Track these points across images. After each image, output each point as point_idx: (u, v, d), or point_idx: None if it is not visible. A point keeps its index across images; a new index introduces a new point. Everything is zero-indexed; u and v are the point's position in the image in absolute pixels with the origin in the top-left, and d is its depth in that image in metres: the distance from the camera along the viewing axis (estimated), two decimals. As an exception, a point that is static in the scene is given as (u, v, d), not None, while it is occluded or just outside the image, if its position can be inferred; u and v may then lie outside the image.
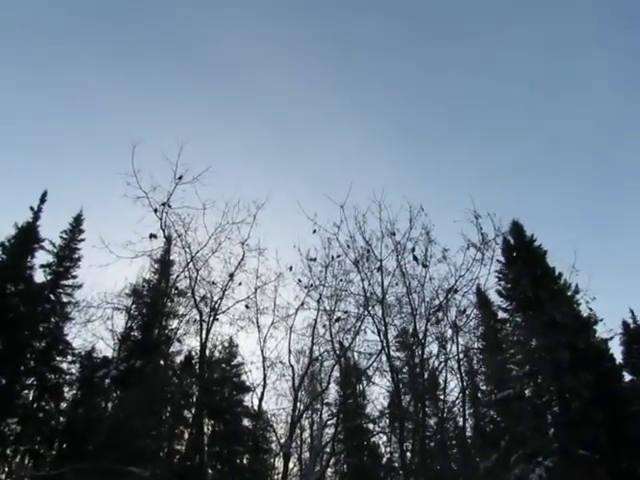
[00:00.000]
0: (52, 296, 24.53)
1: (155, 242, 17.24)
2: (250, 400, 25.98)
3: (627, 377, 22.78)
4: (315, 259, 18.12)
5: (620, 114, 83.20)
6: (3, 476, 21.39)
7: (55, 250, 25.09)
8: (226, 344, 25.99)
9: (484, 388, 25.15)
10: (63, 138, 72.96)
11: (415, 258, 16.89)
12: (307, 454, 24.40)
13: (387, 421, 23.27)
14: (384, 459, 28.54)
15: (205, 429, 26.61)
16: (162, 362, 23.31)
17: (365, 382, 20.83)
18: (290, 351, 18.38)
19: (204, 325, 17.82)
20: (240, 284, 18.74)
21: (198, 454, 19.14)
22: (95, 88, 75.76)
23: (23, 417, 21.92)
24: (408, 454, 17.85)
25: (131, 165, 16.22)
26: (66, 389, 23.80)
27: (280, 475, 18.81)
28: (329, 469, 28.63)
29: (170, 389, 23.26)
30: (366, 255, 17.47)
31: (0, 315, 21.82)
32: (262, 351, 18.19)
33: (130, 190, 16.38)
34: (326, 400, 25.17)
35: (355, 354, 19.34)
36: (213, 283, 18.39)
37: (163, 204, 16.96)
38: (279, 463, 23.64)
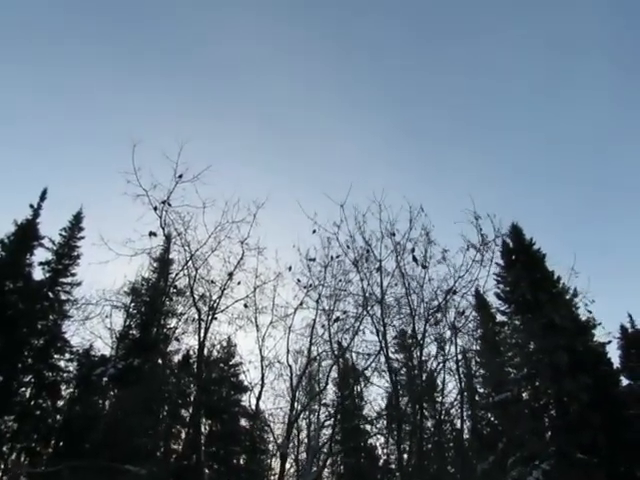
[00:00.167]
0: (51, 294, 24.50)
1: (154, 240, 17.23)
2: (248, 400, 25.93)
3: (624, 381, 22.79)
4: (314, 259, 18.13)
5: (620, 115, 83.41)
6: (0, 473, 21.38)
7: (54, 248, 25.08)
8: (224, 343, 25.97)
9: (482, 391, 25.14)
10: (63, 136, 72.88)
11: (415, 259, 16.89)
12: (304, 455, 24.39)
13: (385, 422, 23.23)
14: (381, 461, 28.48)
15: (202, 429, 26.60)
16: (160, 361, 23.26)
17: (363, 383, 20.81)
18: (288, 351, 18.40)
19: (202, 324, 17.81)
20: (239, 283, 18.77)
21: (195, 454, 19.07)
22: (95, 87, 75.78)
23: (20, 415, 21.88)
24: (405, 456, 17.81)
25: (131, 163, 16.08)
26: (63, 387, 23.79)
27: (277, 476, 18.72)
28: (326, 470, 28.66)
29: (168, 388, 23.20)
30: (365, 255, 17.46)
31: (-2, 312, 21.79)
32: (260, 350, 18.19)
33: (130, 188, 16.36)
34: (324, 401, 25.14)
35: (353, 354, 19.31)
36: (212, 282, 18.39)
37: (163, 202, 16.97)
38: (276, 464, 23.60)
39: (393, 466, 26.37)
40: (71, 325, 24.17)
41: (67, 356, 24.10)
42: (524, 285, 21.96)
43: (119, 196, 16.45)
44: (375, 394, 32.97)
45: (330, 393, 25.04)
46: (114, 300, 19.95)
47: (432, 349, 17.51)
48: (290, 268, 18.44)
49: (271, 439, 24.21)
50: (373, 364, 17.99)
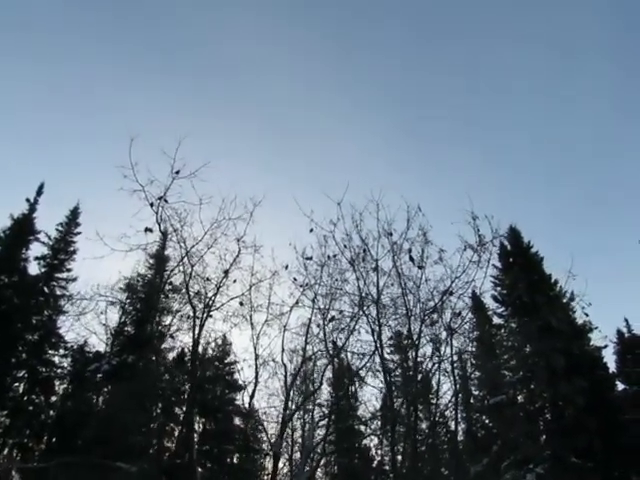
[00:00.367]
0: (46, 289, 24.40)
1: (150, 236, 17.01)
2: (242, 399, 25.85)
3: (620, 386, 22.74)
4: (311, 258, 17.99)
5: (620, 116, 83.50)
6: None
7: (50, 243, 24.99)
8: (220, 342, 25.86)
9: (477, 393, 25.09)
10: (62, 132, 72.83)
11: (411, 259, 16.76)
12: (298, 454, 24.31)
13: (379, 423, 23.17)
14: (375, 462, 28.41)
15: (196, 427, 26.51)
16: (154, 358, 23.14)
17: (358, 383, 20.72)
18: (283, 350, 18.24)
19: (197, 321, 17.65)
20: (235, 281, 18.55)
21: (188, 452, 18.97)
22: (95, 84, 75.67)
23: (13, 410, 21.77)
24: (399, 457, 17.71)
25: (128, 158, 15.91)
26: (57, 383, 23.69)
27: (270, 475, 18.62)
28: (320, 470, 28.57)
29: (161, 385, 23.10)
30: (362, 255, 17.36)
31: (-8, 306, 21.69)
32: (255, 349, 18.04)
33: (127, 183, 16.12)
34: (318, 401, 25.06)
35: (349, 354, 19.20)
36: (208, 279, 18.21)
37: (159, 198, 16.73)
38: (269, 463, 23.49)
39: (387, 467, 26.29)
40: (66, 321, 24.06)
41: (61, 352, 24.01)
42: (521, 287, 21.96)
43: (116, 192, 16.18)
44: (370, 395, 32.84)
45: (325, 393, 25.00)
46: (108, 296, 19.84)
47: (427, 350, 17.38)
48: (287, 267, 18.27)
49: (265, 438, 24.07)
50: (368, 364, 17.89)
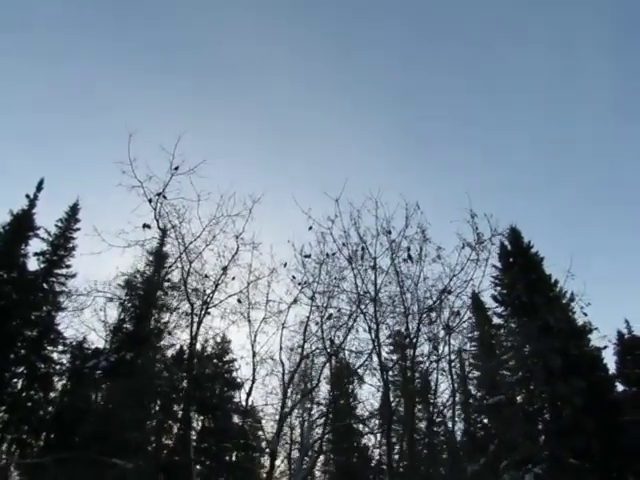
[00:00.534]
0: (45, 285, 24.37)
1: (148, 232, 16.97)
2: (239, 397, 25.88)
3: (620, 387, 22.63)
4: (310, 255, 17.92)
5: (621, 117, 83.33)
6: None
7: (50, 239, 24.94)
8: (218, 339, 25.83)
9: (476, 393, 25.01)
10: (62, 129, 73.19)
11: (410, 258, 16.67)
12: (297, 453, 24.29)
13: (377, 422, 23.10)
14: (374, 461, 28.37)
15: (195, 424, 26.52)
16: (153, 355, 23.13)
17: (356, 382, 20.67)
18: (281, 347, 18.19)
19: (195, 318, 17.61)
20: (234, 278, 18.48)
21: (185, 449, 18.94)
22: (95, 82, 75.95)
23: (11, 406, 21.75)
24: (396, 456, 17.68)
25: (127, 154, 15.87)
26: (56, 379, 23.66)
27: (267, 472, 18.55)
28: (319, 469, 28.58)
29: (160, 382, 23.09)
30: (360, 253, 17.28)
31: (-9, 302, 21.68)
32: (252, 346, 17.97)
33: (125, 179, 16.09)
34: (317, 399, 25.05)
35: (346, 352, 19.16)
36: (206, 276, 18.16)
37: (158, 194, 16.69)
38: (268, 461, 23.47)
39: (386, 466, 26.25)
40: (65, 317, 23.99)
41: (60, 348, 23.98)
42: (520, 287, 21.86)
43: (116, 189, 16.14)
44: (368, 393, 32.77)
45: (323, 391, 24.97)
46: (106, 292, 19.75)
47: (425, 349, 17.30)
48: (285, 264, 18.19)
49: (262, 436, 24.08)
50: (366, 362, 17.84)
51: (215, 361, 27.24)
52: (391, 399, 17.71)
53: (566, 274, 16.93)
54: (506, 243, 23.57)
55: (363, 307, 17.04)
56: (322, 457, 24.61)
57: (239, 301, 18.26)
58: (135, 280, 23.77)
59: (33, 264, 24.34)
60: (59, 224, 25.48)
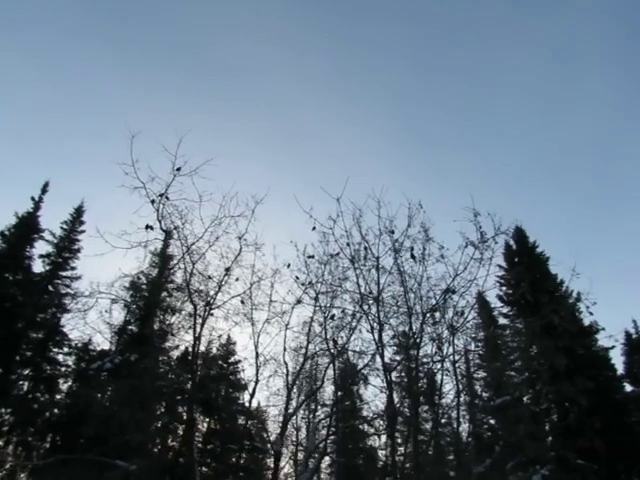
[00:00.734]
0: (50, 287, 24.47)
1: (151, 233, 16.94)
2: (243, 398, 25.85)
3: (628, 387, 22.45)
4: (313, 256, 17.83)
5: (625, 118, 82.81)
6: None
7: (55, 241, 25.04)
8: (223, 341, 25.80)
9: (482, 394, 24.82)
10: (66, 130, 73.74)
11: (412, 256, 16.55)
12: (302, 454, 24.20)
13: (382, 423, 22.96)
14: (380, 462, 28.23)
15: (200, 426, 26.49)
16: (157, 356, 23.12)
17: (361, 382, 20.58)
18: (285, 348, 18.14)
19: (198, 319, 17.57)
20: (237, 279, 18.43)
21: (189, 450, 18.91)
22: (99, 83, 76.53)
23: (17, 408, 21.82)
24: (401, 457, 17.55)
25: (129, 155, 15.89)
26: (61, 381, 23.74)
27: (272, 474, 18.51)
28: (324, 470, 28.47)
29: (164, 384, 23.07)
30: (363, 253, 17.17)
31: (-3, 304, 21.76)
32: (256, 347, 17.93)
33: (128, 180, 16.10)
34: (322, 401, 24.99)
35: (350, 353, 19.06)
36: (209, 277, 18.13)
37: (160, 195, 16.70)
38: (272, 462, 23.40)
39: (390, 467, 26.11)
40: (71, 319, 24.02)
41: (66, 350, 24.05)
42: (524, 286, 21.70)
43: (120, 190, 16.16)
44: (373, 394, 32.57)
45: (328, 392, 24.89)
46: (109, 293, 19.73)
47: (430, 349, 17.16)
48: (289, 265, 18.09)
49: (267, 437, 23.98)
50: (370, 363, 17.74)
51: (220, 362, 27.22)
52: (395, 400, 17.56)
53: (571, 273, 16.72)
54: (511, 243, 23.44)
55: (366, 307, 16.95)
56: (327, 458, 24.48)
57: (242, 302, 18.23)
58: (139, 282, 23.75)
59: (38, 266, 24.48)
60: (64, 226, 25.60)
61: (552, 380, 19.33)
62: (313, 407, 24.84)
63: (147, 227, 16.53)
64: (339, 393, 20.17)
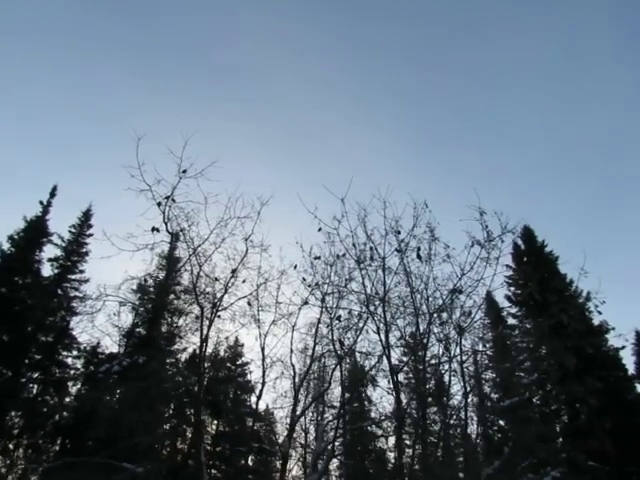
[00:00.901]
0: (59, 290, 24.62)
1: (158, 236, 16.98)
2: (251, 400, 25.84)
3: (639, 388, 22.12)
4: (319, 257, 17.78)
5: (635, 118, 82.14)
6: (4, 470, 21.43)
7: (63, 244, 25.23)
8: (231, 343, 25.83)
9: (492, 395, 24.62)
10: (75, 135, 74.43)
11: (419, 256, 16.43)
12: (310, 456, 24.12)
13: (390, 424, 22.82)
14: (390, 464, 28.05)
15: (209, 429, 26.52)
16: (165, 359, 23.18)
17: (368, 383, 20.46)
18: (292, 350, 18.10)
19: (205, 321, 17.56)
20: (244, 281, 18.42)
21: (197, 453, 18.91)
22: (107, 87, 77.17)
23: (27, 411, 21.95)
24: (408, 459, 17.41)
25: (135, 158, 15.96)
26: (70, 384, 23.85)
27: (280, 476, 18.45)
28: (333, 472, 28.36)
29: (173, 386, 23.09)
30: (369, 253, 17.09)
31: (7, 307, 21.91)
32: (262, 349, 17.89)
33: (134, 183, 16.16)
34: (330, 403, 24.89)
35: (357, 354, 18.99)
36: (216, 279, 18.14)
37: (167, 198, 16.73)
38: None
39: (405, 470, 25.90)
40: (80, 322, 24.15)
41: (74, 353, 24.18)
42: (532, 285, 21.52)
43: (125, 193, 16.22)
44: (381, 395, 32.36)
45: (336, 394, 24.79)
46: (115, 296, 19.75)
47: (437, 350, 17.02)
48: (295, 266, 18.04)
49: (275, 439, 23.96)
50: (377, 364, 17.65)
51: (228, 364, 27.24)
52: (403, 401, 17.44)
53: (579, 271, 16.48)
54: (519, 242, 23.28)
55: (372, 308, 16.85)
56: (336, 460, 24.35)
57: (249, 304, 18.22)
58: (147, 284, 23.83)
59: (47, 270, 24.71)
60: (72, 230, 25.80)
61: (561, 380, 19.13)
62: (321, 409, 24.75)
63: (153, 229, 16.57)
64: (346, 395, 20.08)
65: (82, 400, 21.81)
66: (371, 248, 16.94)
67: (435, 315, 16.26)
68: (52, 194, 25.37)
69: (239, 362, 27.52)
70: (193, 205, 17.21)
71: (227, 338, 22.13)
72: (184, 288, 21.90)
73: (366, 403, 25.56)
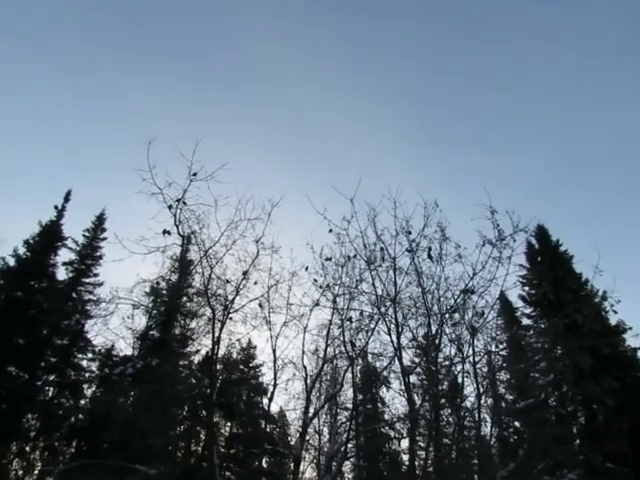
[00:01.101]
0: (74, 293, 24.92)
1: (169, 239, 17.05)
2: (265, 402, 25.79)
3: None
4: (330, 258, 17.74)
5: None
6: (21, 472, 21.69)
7: (77, 248, 25.57)
8: (244, 345, 25.87)
9: (508, 396, 24.36)
10: (89, 138, 75.10)
11: (430, 256, 16.31)
12: (323, 458, 24.06)
13: (403, 426, 22.68)
14: (404, 466, 27.85)
15: (222, 430, 26.55)
16: (178, 361, 23.28)
17: (381, 385, 20.36)
18: (303, 351, 18.08)
19: (217, 324, 17.60)
20: (256, 283, 18.45)
21: (210, 454, 18.95)
22: (118, 91, 77.77)
23: (43, 413, 22.19)
24: (421, 462, 17.28)
25: (146, 161, 16.05)
26: (85, 386, 24.09)
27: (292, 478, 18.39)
28: (347, 474, 28.23)
29: (186, 388, 23.18)
30: (379, 254, 16.99)
31: (23, 311, 22.21)
32: (274, 351, 17.90)
33: (145, 186, 16.25)
34: (343, 404, 24.77)
35: (369, 356, 18.91)
36: (227, 281, 18.18)
37: (177, 201, 16.81)
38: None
39: (418, 472, 25.72)
40: (95, 325, 24.41)
41: (89, 355, 24.46)
42: (546, 285, 21.24)
43: (137, 196, 16.31)
44: (394, 397, 32.13)
45: (348, 395, 24.70)
46: (127, 299, 19.88)
47: (450, 351, 16.86)
48: (307, 268, 18.03)
49: (287, 441, 23.92)
50: (390, 365, 17.57)
51: (241, 367, 27.27)
52: (417, 403, 17.29)
53: (594, 270, 16.22)
54: (533, 242, 23.05)
55: (383, 309, 16.76)
56: (350, 462, 24.27)
57: (260, 306, 18.24)
58: (159, 287, 23.96)
59: (62, 273, 25.07)
60: (86, 234, 26.13)
61: (577, 381, 18.86)
62: (334, 411, 24.64)
63: (164, 232, 16.64)
64: (359, 396, 20.00)
65: (97, 402, 22.00)
66: (382, 248, 16.88)
67: (447, 316, 16.13)
68: (66, 198, 25.70)
69: (252, 364, 27.53)
70: (204, 208, 17.27)
71: (239, 340, 22.18)
72: (196, 290, 21.96)
73: (379, 405, 25.44)
